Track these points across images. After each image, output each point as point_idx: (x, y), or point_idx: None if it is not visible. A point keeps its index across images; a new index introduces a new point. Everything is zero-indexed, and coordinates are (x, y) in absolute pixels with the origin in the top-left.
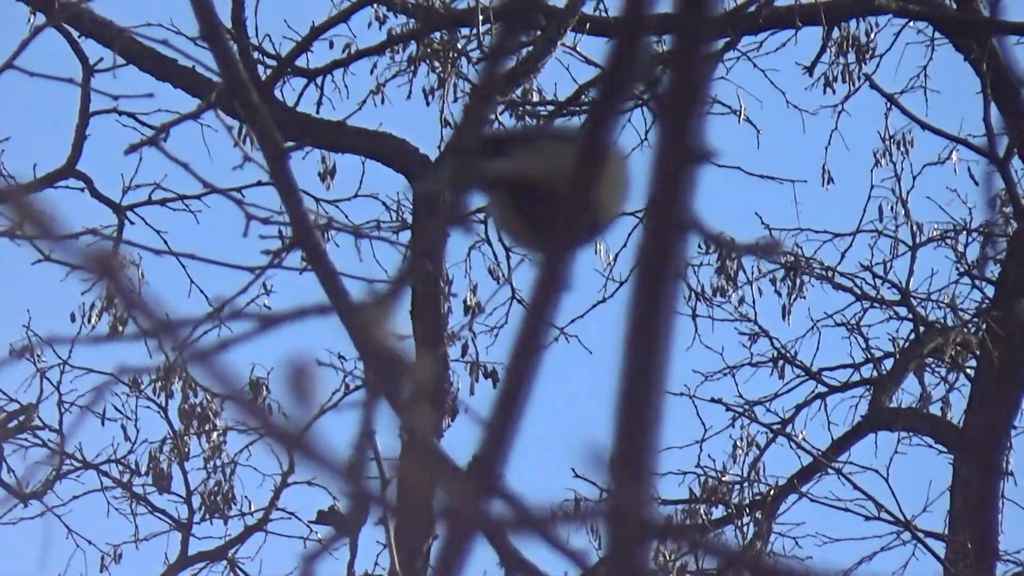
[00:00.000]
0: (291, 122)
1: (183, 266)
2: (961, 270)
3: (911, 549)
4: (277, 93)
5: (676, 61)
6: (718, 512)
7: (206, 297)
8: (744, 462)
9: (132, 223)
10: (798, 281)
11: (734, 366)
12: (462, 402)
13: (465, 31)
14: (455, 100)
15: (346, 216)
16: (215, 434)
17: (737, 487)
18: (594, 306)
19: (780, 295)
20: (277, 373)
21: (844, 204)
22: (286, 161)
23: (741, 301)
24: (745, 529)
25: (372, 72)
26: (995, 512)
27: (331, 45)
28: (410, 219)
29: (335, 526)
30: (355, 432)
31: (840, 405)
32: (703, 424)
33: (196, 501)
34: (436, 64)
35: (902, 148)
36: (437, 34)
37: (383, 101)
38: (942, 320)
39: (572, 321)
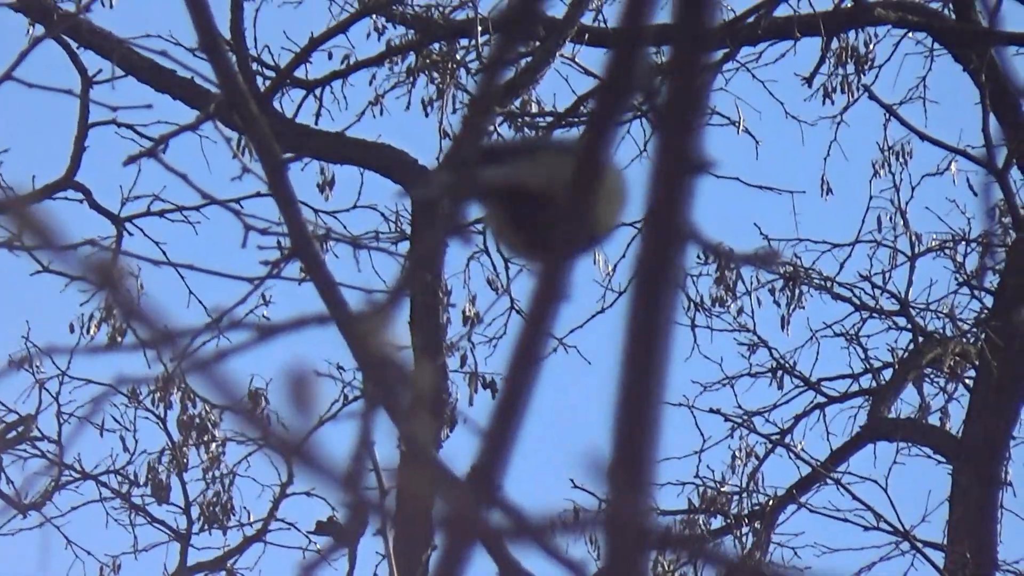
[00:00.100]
0: (290, 133)
1: (182, 277)
2: (960, 280)
3: (910, 559)
4: (276, 104)
5: (675, 72)
6: (717, 522)
7: (205, 308)
8: (743, 472)
9: (131, 234)
10: (797, 291)
11: (733, 376)
12: (461, 412)
13: (464, 42)
14: (454, 111)
15: (345, 227)
16: (214, 444)
17: (736, 497)
18: (593, 316)
19: (779, 305)
20: (276, 383)
21: (843, 215)
22: (285, 172)
23: (740, 311)
24: (744, 539)
25: (371, 83)
26: (994, 522)
27: (330, 56)
28: (408, 230)
29: (334, 536)
30: (354, 442)
31: (839, 415)
32: (702, 434)
33: (195, 512)
34: (435, 75)
35: (901, 159)
36: (436, 45)
37: (382, 112)
38: (941, 330)
39: (571, 331)
